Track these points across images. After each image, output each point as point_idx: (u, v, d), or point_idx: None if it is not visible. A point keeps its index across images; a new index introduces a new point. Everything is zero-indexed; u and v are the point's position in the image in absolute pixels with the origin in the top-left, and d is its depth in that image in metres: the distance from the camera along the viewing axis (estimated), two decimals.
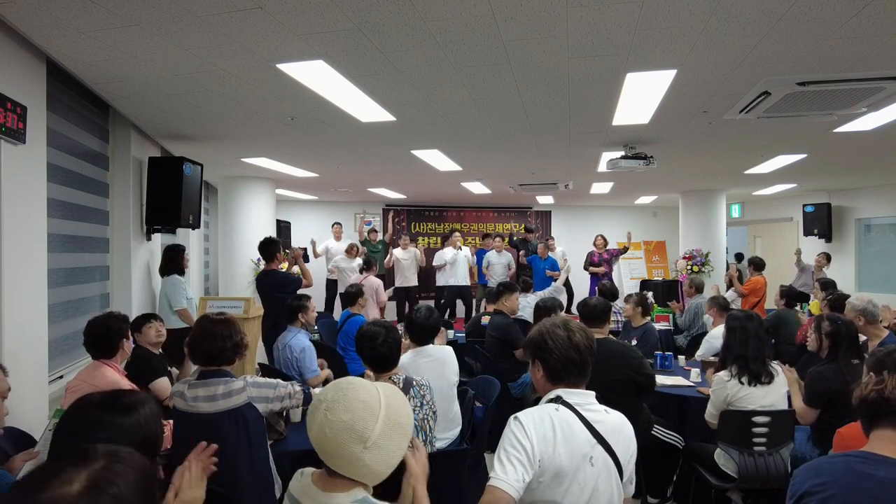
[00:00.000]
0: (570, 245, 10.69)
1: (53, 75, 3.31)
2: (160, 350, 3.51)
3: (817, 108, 4.12)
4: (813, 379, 3.09)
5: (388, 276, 9.78)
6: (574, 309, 8.42)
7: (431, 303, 8.41)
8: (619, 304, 5.82)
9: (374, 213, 11.87)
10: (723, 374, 3.10)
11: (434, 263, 9.58)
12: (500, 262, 9.35)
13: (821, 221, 9.76)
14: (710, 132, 5.06)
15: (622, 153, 5.45)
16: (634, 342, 4.50)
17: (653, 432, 3.36)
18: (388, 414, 1.35)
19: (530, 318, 5.74)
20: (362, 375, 1.91)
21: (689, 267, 9.24)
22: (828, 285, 5.62)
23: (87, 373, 2.84)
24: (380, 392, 1.39)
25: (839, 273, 8.67)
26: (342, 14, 2.59)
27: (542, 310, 4.44)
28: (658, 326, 5.80)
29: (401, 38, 2.87)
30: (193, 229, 5.83)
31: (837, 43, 2.95)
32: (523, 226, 11.50)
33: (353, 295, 5.18)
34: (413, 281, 9.38)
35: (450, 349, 3.25)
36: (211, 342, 2.40)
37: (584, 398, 1.74)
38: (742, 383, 3.00)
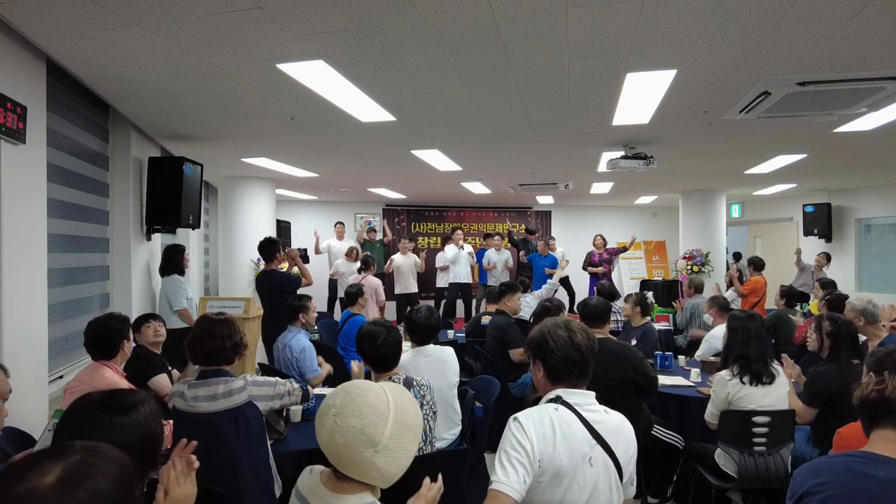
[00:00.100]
0: (570, 245, 10.71)
1: (53, 75, 3.31)
2: (160, 350, 3.52)
3: (817, 108, 4.12)
4: (813, 379, 3.09)
5: (387, 282, 9.79)
6: (576, 309, 8.40)
7: (431, 303, 8.42)
8: (618, 303, 5.82)
9: (374, 213, 11.87)
10: (724, 373, 3.10)
11: (437, 265, 9.59)
12: (499, 260, 9.38)
13: (821, 221, 9.77)
14: (710, 132, 5.06)
15: (622, 153, 5.45)
16: (634, 342, 4.50)
17: (653, 432, 3.36)
18: (398, 416, 1.35)
19: (528, 318, 5.75)
20: (367, 376, 1.91)
21: (689, 267, 9.24)
22: (828, 285, 5.62)
23: (86, 374, 2.84)
24: (388, 394, 1.38)
25: (839, 273, 8.68)
26: (342, 14, 2.59)
27: (547, 310, 4.44)
28: (658, 326, 5.80)
29: (401, 38, 2.87)
30: (193, 229, 5.83)
31: (837, 43, 2.95)
32: (523, 226, 11.51)
33: (354, 295, 5.18)
34: (413, 287, 9.35)
35: (450, 349, 3.25)
36: (211, 342, 2.41)
37: (584, 398, 1.74)
38: (743, 383, 3.00)
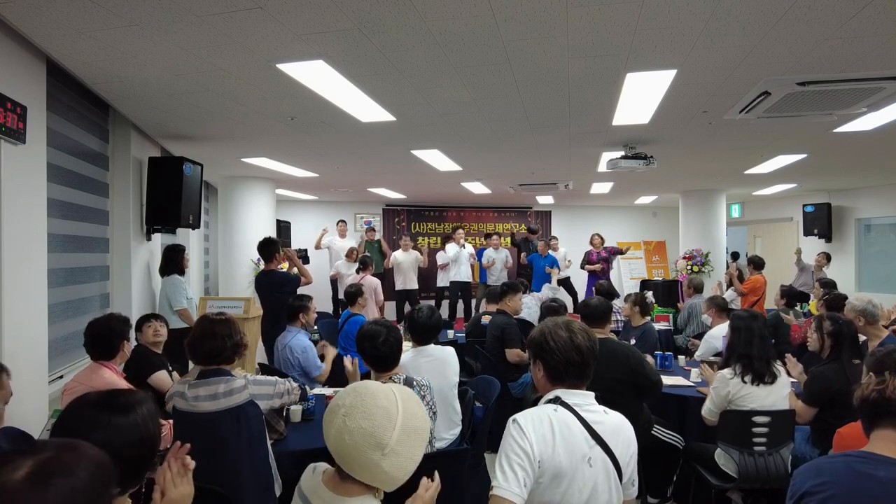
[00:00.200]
0: (570, 245, 10.70)
1: (53, 75, 3.31)
2: (160, 350, 3.55)
3: (817, 108, 4.12)
4: (814, 379, 3.09)
5: (388, 277, 9.80)
6: (577, 309, 8.42)
7: (432, 303, 8.43)
8: (617, 303, 5.82)
9: (375, 213, 11.87)
10: (725, 371, 3.10)
11: (438, 262, 9.59)
12: (497, 258, 9.40)
13: (821, 221, 9.77)
14: (710, 132, 5.06)
15: (622, 153, 5.45)
16: (633, 342, 4.50)
17: (653, 432, 3.36)
18: (406, 419, 1.35)
19: (528, 319, 5.75)
20: (367, 375, 1.91)
21: (689, 267, 9.24)
22: (828, 285, 5.62)
23: (85, 374, 2.84)
24: (397, 396, 1.38)
25: (839, 273, 8.68)
26: (342, 14, 2.59)
27: (555, 311, 4.44)
28: (658, 326, 5.80)
29: (401, 38, 2.87)
30: (193, 229, 5.82)
31: (837, 43, 2.95)
32: (523, 226, 11.52)
33: (353, 295, 5.19)
34: (413, 283, 9.39)
35: (451, 349, 3.25)
36: (211, 342, 2.42)
37: (584, 399, 1.74)
38: (745, 382, 3.00)
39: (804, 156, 6.35)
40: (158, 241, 5.33)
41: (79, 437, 1.14)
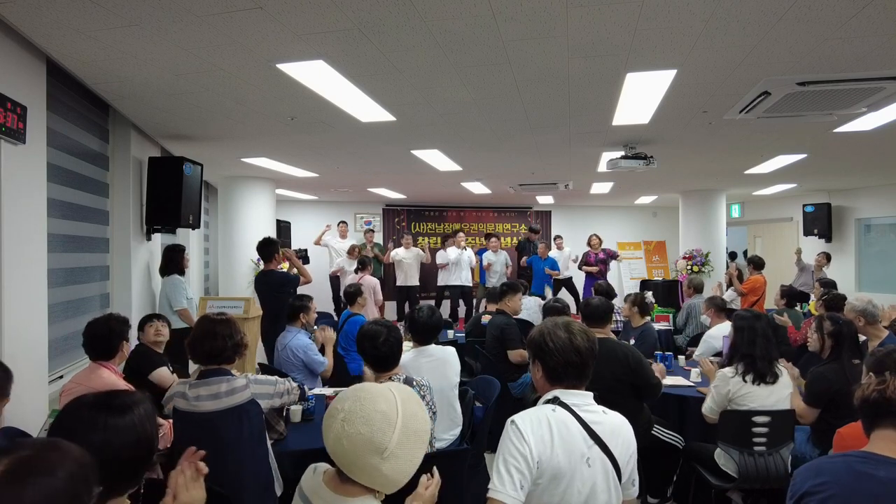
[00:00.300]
0: (569, 245, 10.70)
1: (53, 75, 3.31)
2: (162, 350, 3.57)
3: (817, 108, 4.12)
4: (814, 379, 3.09)
5: (390, 278, 9.82)
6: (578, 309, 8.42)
7: (432, 303, 8.42)
8: (617, 303, 5.82)
9: (375, 213, 11.87)
10: (727, 370, 3.10)
11: (438, 262, 9.59)
12: (496, 261, 9.40)
13: (821, 221, 9.77)
14: (710, 132, 5.06)
15: (622, 153, 5.45)
16: (633, 342, 4.49)
17: (653, 432, 3.36)
18: (406, 422, 1.34)
19: (528, 319, 5.75)
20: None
21: (689, 267, 9.24)
22: (828, 285, 5.62)
23: (84, 375, 2.84)
24: (397, 398, 1.37)
25: (839, 273, 8.68)
26: (342, 14, 2.59)
27: (558, 311, 4.43)
28: (658, 326, 5.80)
29: (401, 38, 2.87)
30: (193, 229, 5.83)
31: (837, 43, 2.95)
32: (523, 226, 11.52)
33: (353, 294, 5.19)
34: (414, 280, 9.40)
35: (452, 349, 3.25)
36: (212, 341, 2.43)
37: (582, 399, 1.74)
38: (745, 381, 2.99)
39: (804, 156, 6.35)
40: (158, 241, 5.33)
41: (76, 438, 1.14)
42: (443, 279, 9.59)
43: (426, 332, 3.21)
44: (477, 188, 9.08)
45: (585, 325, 1.84)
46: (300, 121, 4.56)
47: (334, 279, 9.34)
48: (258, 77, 3.46)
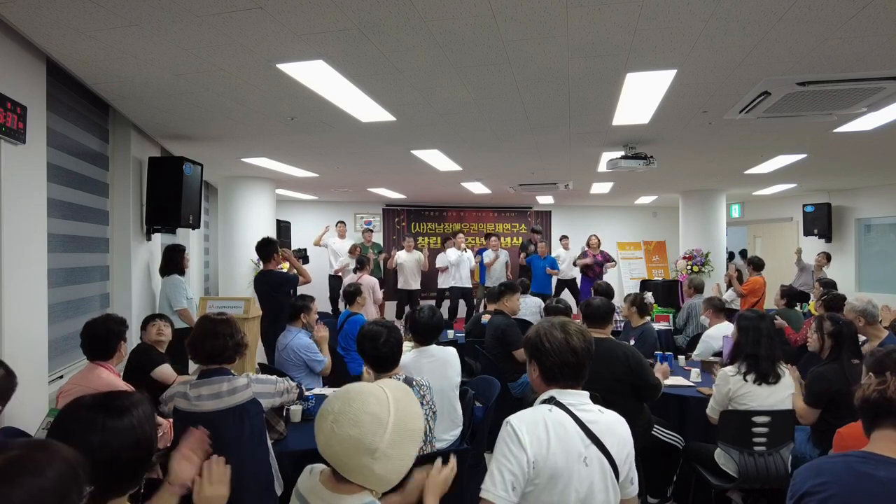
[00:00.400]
0: (570, 245, 10.70)
1: (53, 75, 3.31)
2: (163, 349, 3.61)
3: (817, 108, 4.12)
4: (814, 379, 3.09)
5: (391, 278, 9.81)
6: (579, 309, 8.39)
7: (433, 303, 8.42)
8: (616, 304, 5.82)
9: (375, 213, 11.87)
10: (728, 369, 3.10)
11: (437, 265, 9.59)
12: (497, 260, 9.40)
13: (821, 221, 9.77)
14: (710, 132, 5.06)
15: (622, 153, 5.45)
16: (632, 342, 4.49)
17: (653, 432, 3.36)
18: (398, 421, 1.33)
19: (528, 319, 5.75)
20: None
21: (689, 267, 9.24)
22: (828, 285, 5.62)
23: (82, 376, 2.85)
24: (389, 397, 1.36)
25: (839, 273, 8.67)
26: (342, 14, 2.59)
27: (561, 313, 4.43)
28: (658, 326, 5.80)
29: (401, 38, 2.87)
30: (193, 229, 5.83)
31: (837, 43, 2.95)
32: (525, 226, 11.52)
33: (352, 294, 5.19)
34: (415, 284, 9.40)
35: (453, 350, 3.25)
36: (213, 341, 2.43)
37: (578, 398, 1.74)
38: (746, 381, 2.99)
39: (804, 156, 6.35)
40: (158, 241, 5.33)
41: (75, 438, 1.14)
42: (443, 281, 9.60)
43: (427, 333, 3.21)
44: (477, 188, 9.08)
45: (582, 326, 1.84)
46: (300, 121, 4.56)
47: (334, 279, 9.34)
48: (258, 77, 3.46)
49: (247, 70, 3.33)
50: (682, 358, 4.65)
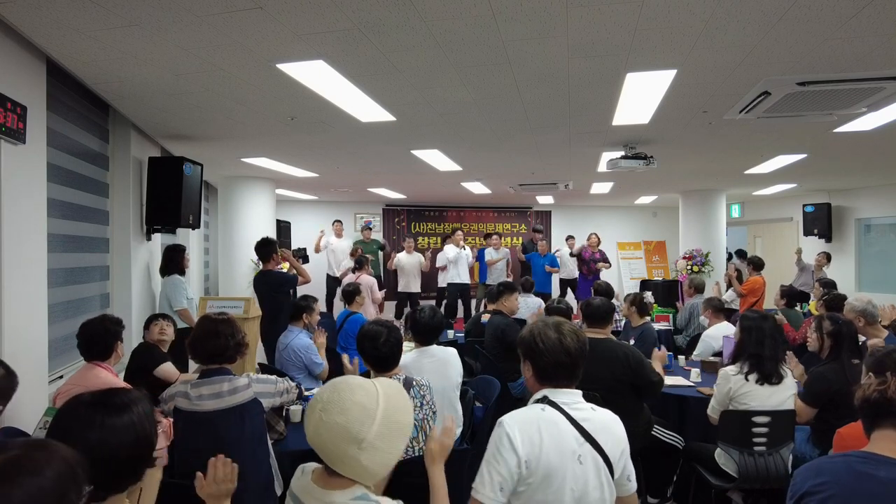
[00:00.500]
0: (575, 244, 10.70)
1: (53, 75, 3.31)
2: (166, 349, 3.62)
3: (817, 108, 4.12)
4: (814, 379, 3.09)
5: (391, 280, 9.79)
6: (579, 308, 8.40)
7: (433, 303, 8.42)
8: (615, 303, 5.82)
9: (375, 213, 11.87)
10: (729, 368, 3.10)
11: (437, 265, 9.59)
12: (499, 260, 9.40)
13: (821, 221, 9.76)
14: (710, 132, 5.06)
15: (622, 153, 5.45)
16: (632, 342, 4.49)
17: (653, 432, 3.36)
18: (387, 414, 1.34)
19: (528, 319, 5.75)
20: (367, 374, 1.91)
21: (689, 267, 9.24)
22: (828, 285, 5.62)
23: (80, 375, 2.85)
24: (378, 391, 1.38)
25: (839, 273, 8.67)
26: (342, 14, 2.59)
27: (557, 313, 4.42)
28: (658, 326, 5.80)
29: (401, 38, 2.87)
30: (193, 229, 5.83)
31: (837, 43, 2.95)
32: (525, 226, 11.52)
33: (351, 293, 5.19)
34: (415, 287, 9.38)
35: (453, 350, 3.26)
36: (215, 340, 2.44)
37: (571, 397, 1.75)
38: (748, 380, 2.99)
39: (804, 156, 6.35)
40: (158, 241, 5.33)
41: (73, 437, 1.14)
42: (442, 279, 9.60)
43: (428, 333, 3.21)
44: (477, 188, 9.08)
45: (576, 326, 1.84)
46: (300, 121, 4.56)
47: (332, 280, 9.33)
48: (258, 77, 3.46)
49: (247, 70, 3.32)
50: (681, 358, 4.65)
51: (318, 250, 9.46)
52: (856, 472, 1.54)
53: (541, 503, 1.63)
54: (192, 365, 3.63)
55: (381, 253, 9.98)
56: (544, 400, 1.74)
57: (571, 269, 9.66)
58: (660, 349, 3.91)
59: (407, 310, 9.01)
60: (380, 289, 7.32)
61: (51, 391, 3.27)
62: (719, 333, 4.53)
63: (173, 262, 4.95)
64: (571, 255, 9.45)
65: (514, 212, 12.49)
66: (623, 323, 5.36)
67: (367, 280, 6.86)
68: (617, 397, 2.99)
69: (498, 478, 1.61)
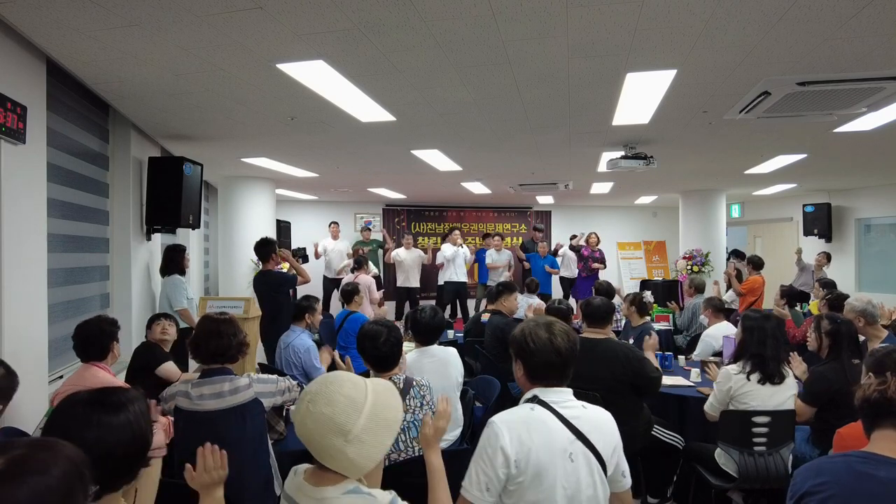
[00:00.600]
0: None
1: (53, 75, 3.31)
2: (168, 349, 3.63)
3: (817, 108, 4.12)
4: (814, 379, 3.09)
5: (390, 275, 9.78)
6: (579, 308, 8.40)
7: (433, 303, 8.41)
8: (615, 301, 5.81)
9: (375, 213, 11.87)
10: (731, 367, 3.10)
11: (437, 262, 9.59)
12: (500, 260, 9.38)
13: (821, 221, 9.77)
14: (710, 132, 5.06)
15: (622, 153, 5.45)
16: (632, 342, 4.49)
17: (653, 432, 3.36)
18: (374, 409, 1.37)
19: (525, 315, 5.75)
20: (366, 374, 1.91)
21: (689, 267, 9.25)
22: (828, 285, 5.62)
23: (78, 375, 2.85)
24: (367, 387, 1.40)
25: (839, 273, 8.68)
26: (342, 14, 2.59)
27: (558, 314, 4.42)
28: (658, 326, 5.80)
29: (401, 38, 2.87)
30: (193, 229, 5.83)
31: (837, 43, 2.95)
32: (525, 226, 11.51)
33: (350, 293, 5.19)
34: (415, 282, 9.39)
35: (454, 350, 3.26)
36: (217, 340, 2.45)
37: (561, 396, 1.77)
38: (749, 380, 2.99)
39: (804, 156, 6.35)
40: (158, 241, 5.33)
41: (70, 435, 1.14)
42: (442, 278, 9.60)
43: (429, 333, 3.21)
44: (477, 188, 9.08)
45: (567, 326, 1.85)
46: (300, 121, 4.56)
47: (329, 281, 9.31)
48: (258, 77, 3.46)
49: (247, 70, 3.33)
50: (682, 358, 4.65)
51: (317, 257, 9.43)
52: (856, 472, 1.54)
53: (532, 502, 1.64)
54: (192, 364, 3.63)
55: (381, 251, 9.97)
56: (534, 399, 1.76)
57: (574, 269, 9.65)
58: (658, 361, 3.92)
59: (407, 310, 9.01)
60: (378, 289, 7.32)
61: (51, 391, 3.27)
62: (719, 333, 4.53)
63: (173, 262, 4.95)
64: (571, 247, 9.44)
65: (514, 212, 12.49)
66: (623, 323, 5.36)
67: (366, 280, 6.86)
68: (617, 397, 2.99)
69: (484, 478, 1.63)
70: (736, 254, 8.98)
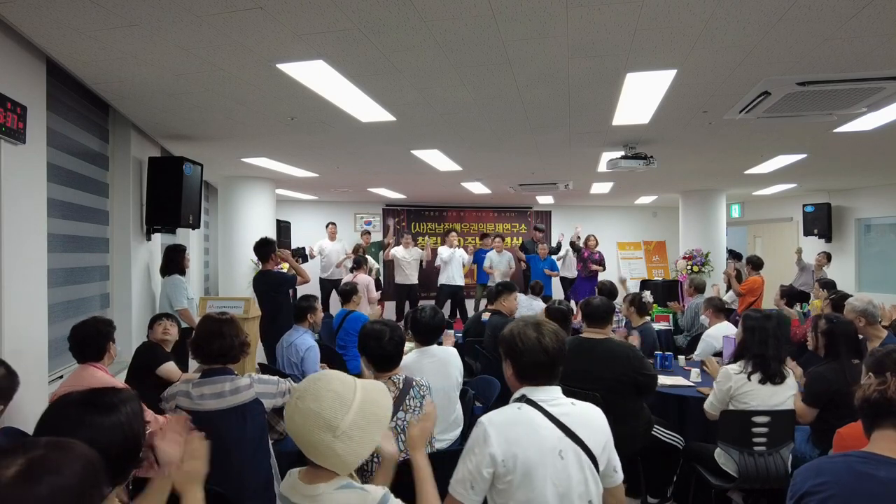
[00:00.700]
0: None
1: (53, 75, 3.31)
2: (169, 349, 3.64)
3: (817, 108, 4.12)
4: (814, 379, 3.09)
5: (389, 273, 9.77)
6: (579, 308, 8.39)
7: (433, 302, 8.41)
8: (616, 302, 5.82)
9: (375, 213, 11.87)
10: (731, 367, 3.09)
11: (435, 264, 9.59)
12: (501, 261, 9.38)
13: (821, 221, 9.76)
14: (710, 132, 5.06)
15: (622, 153, 5.45)
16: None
17: (653, 432, 3.36)
18: (363, 406, 1.39)
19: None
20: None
21: (689, 267, 9.25)
22: (828, 285, 5.62)
23: (76, 376, 2.85)
24: (356, 384, 1.43)
25: (839, 273, 8.68)
26: (342, 14, 2.59)
27: (558, 315, 4.41)
28: (658, 326, 5.80)
29: (401, 39, 2.87)
30: (193, 229, 5.83)
31: (837, 43, 2.95)
32: (525, 226, 11.49)
33: (348, 292, 5.19)
34: (414, 279, 9.40)
35: (454, 350, 3.26)
36: (220, 340, 2.46)
37: (549, 394, 1.77)
38: (750, 380, 2.99)
39: (804, 156, 6.35)
40: (158, 241, 5.33)
41: (62, 435, 1.14)
42: (439, 279, 9.60)
43: (429, 333, 3.22)
44: (477, 188, 9.08)
45: (556, 326, 1.86)
46: (300, 121, 4.56)
47: (326, 282, 9.30)
48: (258, 77, 3.46)
49: (247, 70, 3.32)
50: (681, 358, 4.65)
51: (312, 256, 9.42)
52: (856, 472, 1.54)
53: (523, 500, 1.64)
54: (193, 364, 3.63)
55: (381, 253, 9.97)
56: (522, 399, 1.77)
57: (574, 270, 9.64)
58: (657, 361, 3.94)
59: (408, 307, 9.01)
60: (377, 289, 7.33)
61: (51, 391, 3.27)
62: (720, 333, 4.53)
63: (173, 262, 4.96)
64: (571, 242, 9.44)
65: (514, 212, 12.48)
66: (623, 323, 5.37)
67: (364, 279, 6.86)
68: (617, 397, 2.99)
69: (469, 476, 1.65)
70: (732, 254, 8.98)
